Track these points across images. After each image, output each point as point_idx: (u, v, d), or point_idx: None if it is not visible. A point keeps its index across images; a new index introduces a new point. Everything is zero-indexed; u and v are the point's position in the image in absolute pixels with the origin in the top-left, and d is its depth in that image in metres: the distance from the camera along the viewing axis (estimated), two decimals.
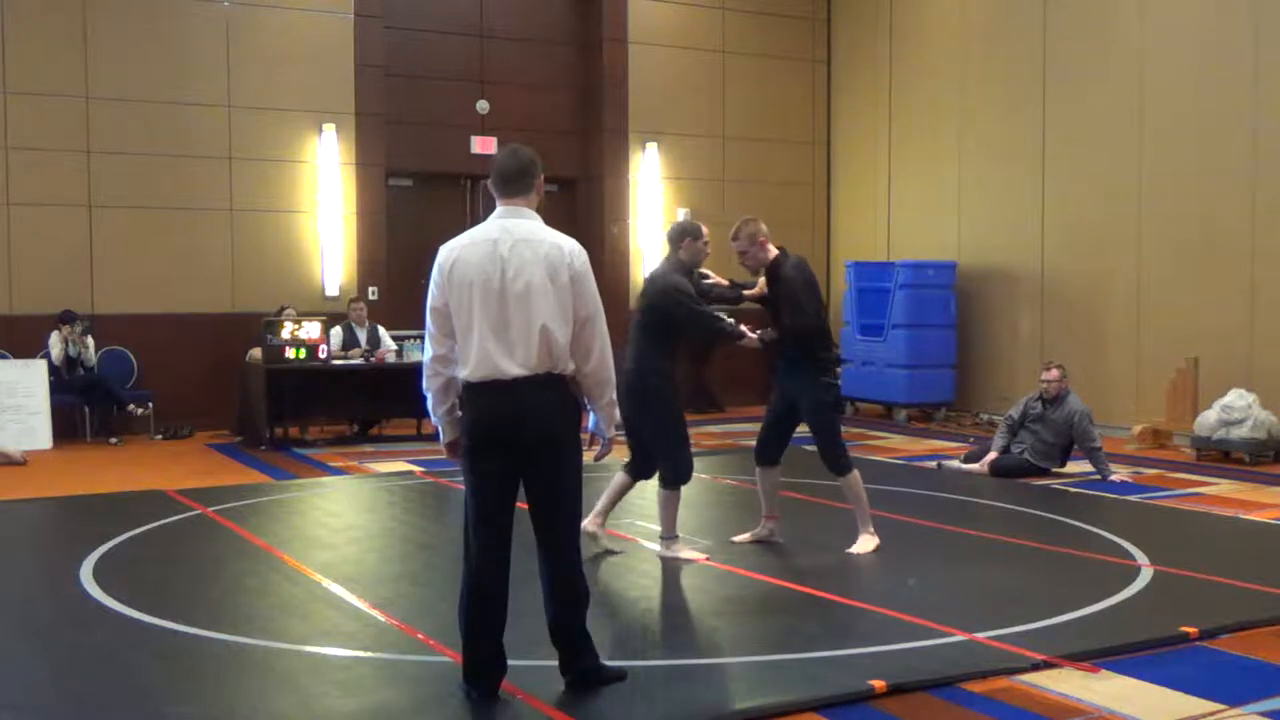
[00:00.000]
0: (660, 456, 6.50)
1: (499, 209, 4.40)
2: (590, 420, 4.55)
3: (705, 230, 6.66)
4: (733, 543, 6.95)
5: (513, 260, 4.24)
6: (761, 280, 6.79)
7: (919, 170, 14.48)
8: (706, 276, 6.86)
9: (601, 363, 4.36)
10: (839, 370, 6.79)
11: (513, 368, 4.21)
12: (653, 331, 6.45)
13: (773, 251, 6.65)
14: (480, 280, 4.23)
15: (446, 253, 4.33)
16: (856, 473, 6.79)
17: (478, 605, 4.29)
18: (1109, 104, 12.20)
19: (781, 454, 6.94)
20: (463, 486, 4.37)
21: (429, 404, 4.42)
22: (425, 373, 4.37)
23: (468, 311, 4.23)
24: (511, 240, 4.28)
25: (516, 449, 4.26)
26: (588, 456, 4.47)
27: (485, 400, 4.24)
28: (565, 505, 4.35)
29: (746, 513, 8.25)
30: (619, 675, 4.46)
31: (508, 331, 4.21)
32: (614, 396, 4.45)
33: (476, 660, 4.32)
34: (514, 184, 4.42)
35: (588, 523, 6.94)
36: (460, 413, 4.36)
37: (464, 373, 4.27)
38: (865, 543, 6.75)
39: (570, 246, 4.35)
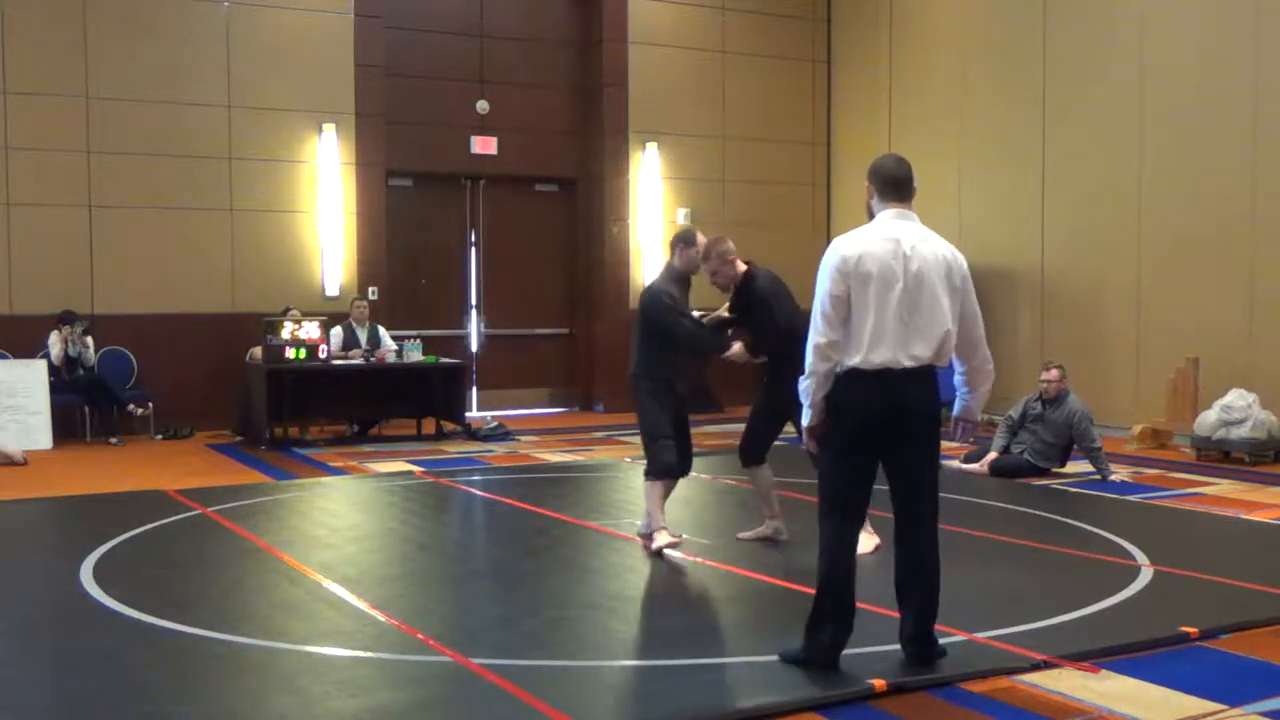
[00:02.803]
0: (644, 449, 6.74)
1: (891, 211, 4.66)
2: (957, 407, 4.83)
3: (700, 237, 6.75)
4: (738, 539, 6.95)
5: (914, 260, 4.53)
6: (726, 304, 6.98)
7: (919, 170, 14.11)
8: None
9: (986, 355, 4.72)
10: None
11: (905, 359, 4.48)
12: (646, 338, 6.67)
13: (741, 267, 6.77)
14: (883, 275, 4.48)
15: (850, 246, 4.55)
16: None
17: (835, 618, 4.58)
18: (1109, 104, 12.20)
19: (767, 451, 6.94)
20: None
21: (810, 387, 4.56)
22: (815, 356, 4.52)
23: (866, 304, 4.48)
24: (912, 241, 4.57)
25: (891, 435, 4.54)
26: (955, 441, 4.88)
27: (875, 387, 4.49)
28: (932, 488, 4.67)
29: (747, 512, 8.25)
30: (942, 652, 4.70)
31: (909, 326, 4.49)
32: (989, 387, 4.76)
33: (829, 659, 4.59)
34: (905, 188, 4.73)
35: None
36: (834, 402, 4.55)
37: (854, 360, 4.49)
38: (865, 542, 6.74)
39: (957, 252, 4.70)
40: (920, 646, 4.67)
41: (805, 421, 4.64)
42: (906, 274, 4.49)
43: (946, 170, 14.07)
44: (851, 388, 4.52)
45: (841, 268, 4.50)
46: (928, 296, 4.51)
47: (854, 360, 4.50)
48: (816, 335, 4.51)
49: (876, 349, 4.47)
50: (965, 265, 4.67)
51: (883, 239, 4.55)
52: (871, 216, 4.72)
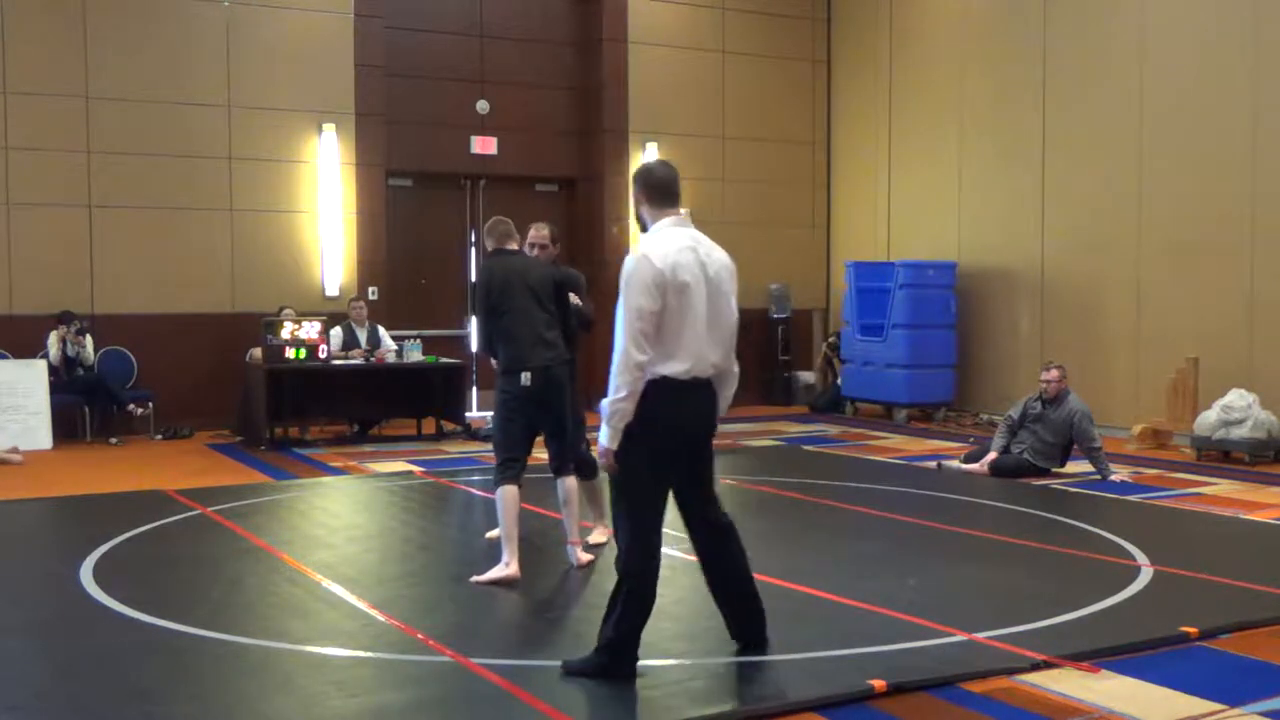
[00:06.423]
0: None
1: (672, 218, 4.63)
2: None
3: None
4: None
5: (710, 265, 4.55)
6: None
7: (919, 170, 14.48)
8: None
9: (734, 358, 4.68)
10: (519, 378, 6.25)
11: (709, 367, 4.53)
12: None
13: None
14: (694, 282, 4.48)
15: (661, 258, 4.44)
16: (507, 489, 6.21)
17: (646, 606, 4.53)
18: (1109, 104, 12.20)
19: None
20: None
21: (618, 408, 4.41)
22: (627, 377, 4.39)
23: (681, 313, 4.44)
24: (704, 246, 4.60)
25: (694, 444, 4.60)
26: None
27: (689, 396, 4.50)
28: (713, 483, 4.79)
29: (746, 512, 8.25)
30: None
31: (713, 331, 4.52)
32: None
33: (633, 653, 4.57)
34: (678, 194, 4.71)
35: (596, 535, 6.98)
36: (641, 412, 4.43)
37: (669, 369, 4.44)
38: (499, 569, 6.14)
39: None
40: (756, 628, 4.79)
41: (608, 443, 4.44)
42: (707, 280, 4.50)
43: (946, 170, 14.08)
44: (666, 398, 4.43)
45: (658, 280, 4.39)
46: (723, 301, 4.55)
47: (666, 370, 4.42)
48: (637, 352, 4.36)
49: (688, 357, 4.44)
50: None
51: (683, 247, 4.50)
52: (643, 223, 4.67)
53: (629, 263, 4.46)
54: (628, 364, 4.37)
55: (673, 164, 4.81)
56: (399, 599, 5.81)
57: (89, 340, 11.70)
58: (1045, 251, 12.96)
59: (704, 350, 4.48)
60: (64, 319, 11.54)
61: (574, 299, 6.69)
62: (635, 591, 4.50)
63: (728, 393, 4.68)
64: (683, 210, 4.70)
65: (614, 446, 4.44)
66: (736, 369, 4.69)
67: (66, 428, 11.59)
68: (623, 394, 4.38)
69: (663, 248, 4.48)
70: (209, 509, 8.00)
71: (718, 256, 4.60)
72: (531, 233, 6.77)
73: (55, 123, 11.95)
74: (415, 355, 12.01)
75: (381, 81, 13.32)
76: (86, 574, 6.21)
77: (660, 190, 4.64)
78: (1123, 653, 4.83)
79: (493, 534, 6.72)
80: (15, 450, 10.59)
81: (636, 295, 4.39)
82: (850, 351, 14.04)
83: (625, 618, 4.49)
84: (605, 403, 4.43)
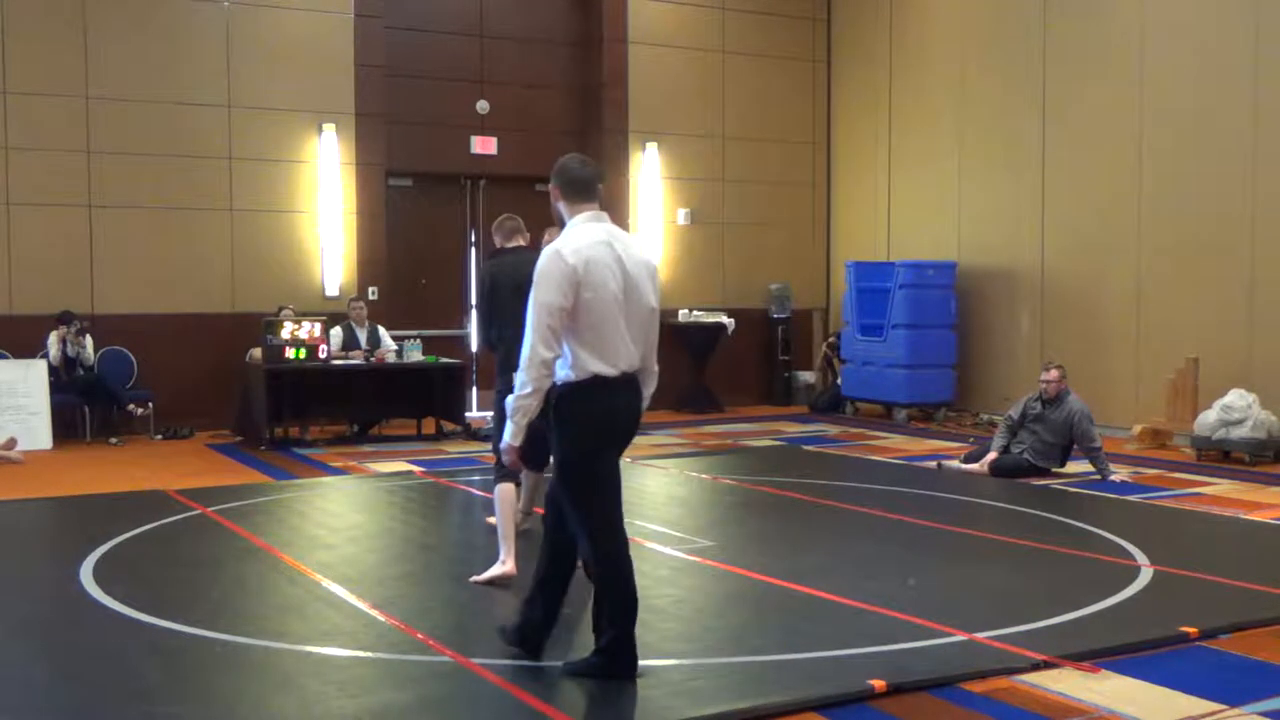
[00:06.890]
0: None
1: (587, 213, 4.58)
2: None
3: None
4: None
5: (627, 260, 4.49)
6: None
7: (919, 170, 14.47)
8: None
9: (654, 358, 4.66)
10: (509, 378, 6.30)
11: (635, 361, 4.50)
12: None
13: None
14: (613, 279, 4.42)
15: (575, 254, 4.38)
16: (504, 487, 6.18)
17: (630, 602, 4.48)
18: (1109, 104, 12.20)
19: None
20: (575, 488, 4.50)
21: (522, 405, 4.37)
22: (533, 373, 4.33)
23: (601, 310, 4.38)
24: (621, 241, 4.54)
25: (627, 438, 4.58)
26: None
27: (620, 393, 4.46)
28: None
29: (746, 513, 8.26)
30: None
31: (631, 326, 4.46)
32: None
33: (632, 653, 4.51)
34: (592, 189, 4.65)
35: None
36: (578, 411, 4.41)
37: (598, 367, 4.39)
38: (497, 568, 6.11)
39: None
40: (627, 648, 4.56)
41: (510, 439, 4.45)
42: (625, 275, 4.44)
43: (946, 170, 14.07)
44: (600, 395, 4.40)
45: (572, 277, 4.33)
46: (641, 297, 4.49)
47: (596, 367, 4.38)
48: (545, 350, 4.30)
49: (612, 353, 4.39)
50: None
51: (598, 243, 4.45)
52: (560, 219, 4.64)
53: (542, 258, 4.42)
54: (534, 361, 4.32)
55: (589, 159, 4.76)
56: (399, 599, 5.81)
57: (89, 340, 11.69)
58: (1045, 251, 12.96)
59: (625, 346, 4.42)
60: (64, 319, 11.54)
61: None
62: (612, 592, 4.48)
63: (647, 391, 4.62)
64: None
65: (517, 443, 4.46)
66: (656, 367, 4.62)
67: (66, 428, 11.58)
68: (528, 390, 4.34)
69: (576, 243, 4.42)
70: (209, 509, 8.00)
71: (635, 253, 4.54)
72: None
73: (55, 123, 11.95)
74: (415, 355, 12.01)
75: (381, 81, 13.32)
76: (86, 574, 6.21)
77: (576, 185, 4.59)
78: (1123, 653, 4.83)
79: (493, 519, 6.71)
80: (13, 443, 10.58)
81: (546, 291, 4.33)
82: (850, 351, 14.04)
83: (614, 618, 4.49)
84: (510, 399, 4.41)
